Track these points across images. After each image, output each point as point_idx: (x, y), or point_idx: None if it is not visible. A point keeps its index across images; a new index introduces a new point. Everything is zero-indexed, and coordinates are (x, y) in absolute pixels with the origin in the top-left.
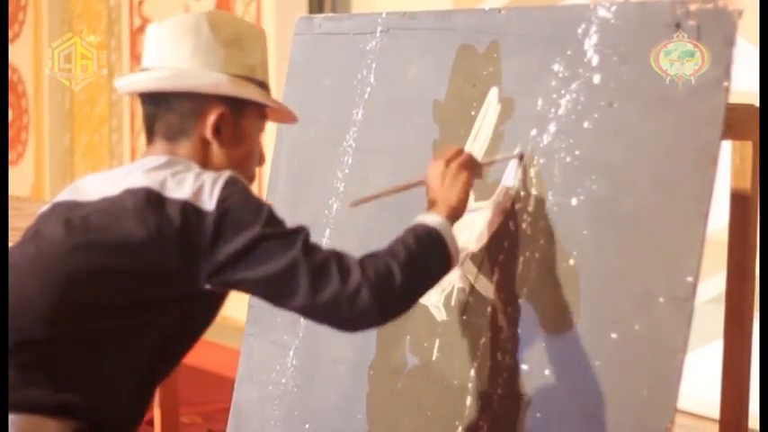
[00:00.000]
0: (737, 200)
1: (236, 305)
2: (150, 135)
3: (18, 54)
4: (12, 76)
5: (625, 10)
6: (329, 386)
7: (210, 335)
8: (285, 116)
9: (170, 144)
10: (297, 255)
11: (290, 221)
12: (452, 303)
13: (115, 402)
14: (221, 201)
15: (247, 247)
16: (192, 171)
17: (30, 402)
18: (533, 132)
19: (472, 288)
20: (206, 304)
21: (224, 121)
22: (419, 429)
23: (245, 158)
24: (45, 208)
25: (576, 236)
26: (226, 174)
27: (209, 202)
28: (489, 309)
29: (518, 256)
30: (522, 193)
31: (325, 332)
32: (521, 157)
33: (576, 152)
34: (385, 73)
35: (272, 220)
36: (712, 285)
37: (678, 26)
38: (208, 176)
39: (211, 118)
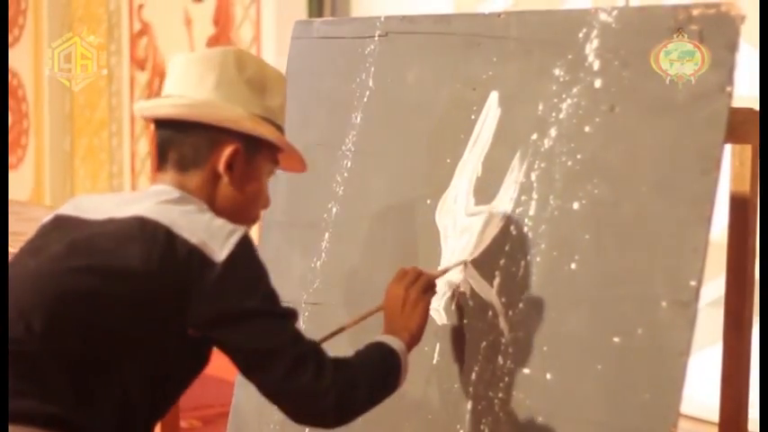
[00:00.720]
0: (737, 203)
1: None
2: (162, 162)
3: (18, 58)
4: (12, 81)
5: (626, 14)
6: None
7: None
8: (296, 164)
9: (181, 175)
10: (285, 340)
11: (290, 225)
12: (453, 307)
13: (103, 422)
14: (230, 257)
15: (240, 315)
16: (206, 214)
17: (20, 412)
18: (534, 136)
19: (473, 292)
20: (191, 348)
21: (237, 157)
22: None
23: (252, 198)
24: (47, 219)
25: (577, 240)
26: (241, 230)
27: (218, 254)
28: (490, 313)
29: (519, 260)
30: (524, 198)
31: (323, 334)
32: (465, 264)
33: (578, 156)
34: (384, 77)
35: (271, 295)
36: (711, 289)
37: (680, 30)
38: (222, 225)
39: (226, 152)
